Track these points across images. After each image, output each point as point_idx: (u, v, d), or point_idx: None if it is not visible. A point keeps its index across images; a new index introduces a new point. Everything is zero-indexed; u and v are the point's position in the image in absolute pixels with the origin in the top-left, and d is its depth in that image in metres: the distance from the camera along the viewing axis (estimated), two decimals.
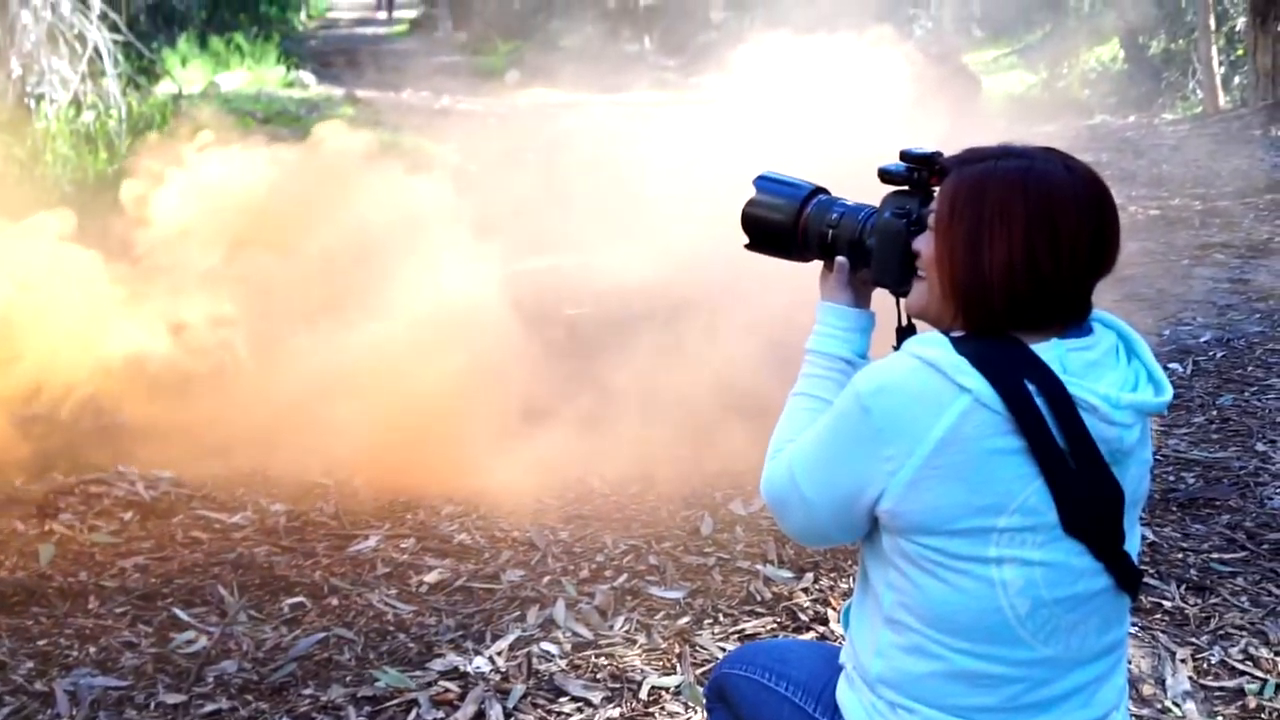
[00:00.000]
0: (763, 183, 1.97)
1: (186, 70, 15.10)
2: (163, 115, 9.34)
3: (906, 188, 1.77)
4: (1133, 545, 1.65)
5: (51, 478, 4.10)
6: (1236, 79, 14.77)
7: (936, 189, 1.70)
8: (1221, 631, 3.16)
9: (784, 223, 1.92)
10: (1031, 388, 1.52)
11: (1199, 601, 3.31)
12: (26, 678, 2.95)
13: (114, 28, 8.85)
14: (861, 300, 1.88)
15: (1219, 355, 5.38)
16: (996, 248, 1.56)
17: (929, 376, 1.54)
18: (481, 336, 4.50)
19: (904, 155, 1.76)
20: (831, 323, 1.86)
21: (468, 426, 4.20)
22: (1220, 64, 14.49)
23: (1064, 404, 1.53)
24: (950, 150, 1.71)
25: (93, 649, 3.09)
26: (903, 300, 1.77)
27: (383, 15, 33.33)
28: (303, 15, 24.81)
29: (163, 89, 10.83)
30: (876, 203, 1.84)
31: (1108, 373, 1.60)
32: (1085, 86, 16.97)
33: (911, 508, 1.56)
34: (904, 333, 1.80)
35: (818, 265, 1.96)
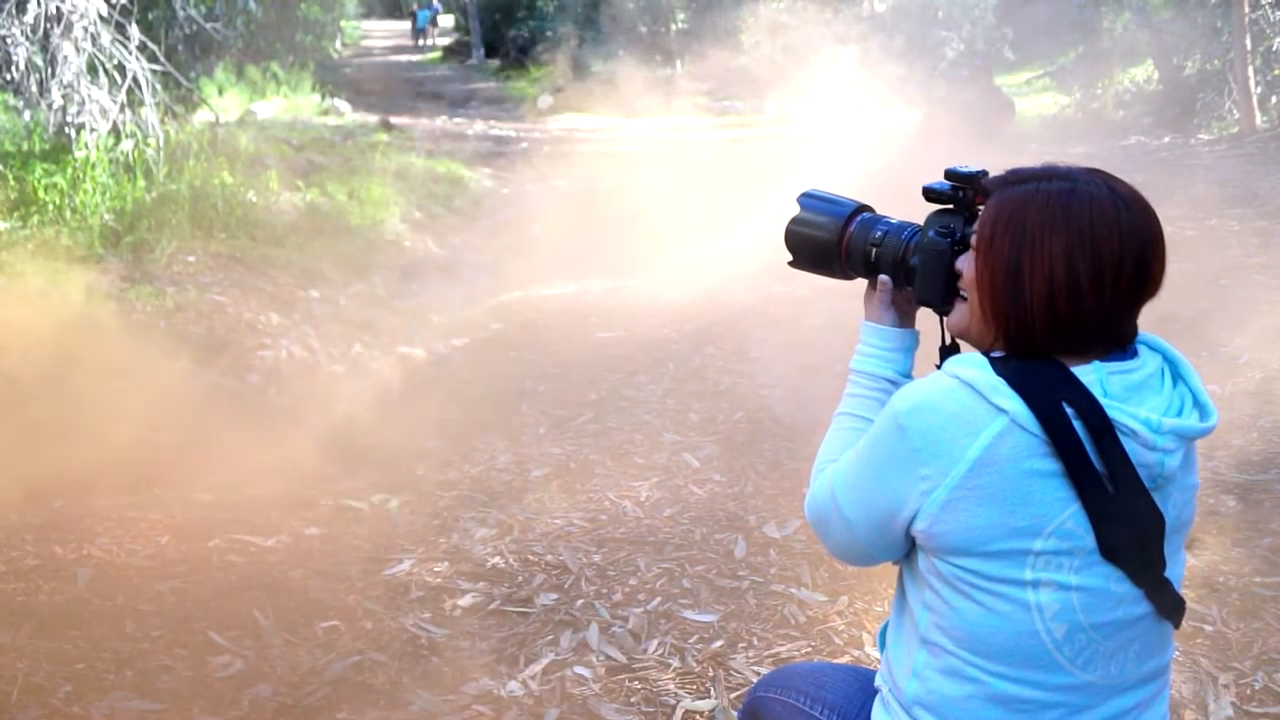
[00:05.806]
0: (807, 200, 1.96)
1: (223, 99, 15.24)
2: (200, 143, 9.45)
3: (951, 206, 1.75)
4: (1175, 572, 1.62)
5: (88, 502, 4.13)
6: (1273, 99, 14.61)
7: (981, 208, 1.68)
8: (1265, 657, 3.11)
9: (828, 240, 1.91)
10: (1069, 410, 1.50)
11: (1241, 626, 3.25)
12: (64, 701, 2.97)
13: (152, 58, 8.95)
14: (905, 320, 1.87)
15: (1259, 377, 5.31)
16: (1037, 273, 1.54)
17: (966, 396, 1.53)
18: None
19: (949, 174, 1.74)
20: (875, 343, 1.86)
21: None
22: (1257, 84, 14.34)
23: (1103, 427, 1.50)
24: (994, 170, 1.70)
25: (129, 672, 3.10)
26: (945, 319, 1.76)
27: (417, 43, 33.70)
28: (337, 44, 25.04)
29: (200, 117, 10.94)
30: (918, 221, 1.83)
31: (1150, 396, 1.58)
32: (1119, 107, 16.82)
33: (946, 528, 1.54)
34: (947, 352, 1.78)
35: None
